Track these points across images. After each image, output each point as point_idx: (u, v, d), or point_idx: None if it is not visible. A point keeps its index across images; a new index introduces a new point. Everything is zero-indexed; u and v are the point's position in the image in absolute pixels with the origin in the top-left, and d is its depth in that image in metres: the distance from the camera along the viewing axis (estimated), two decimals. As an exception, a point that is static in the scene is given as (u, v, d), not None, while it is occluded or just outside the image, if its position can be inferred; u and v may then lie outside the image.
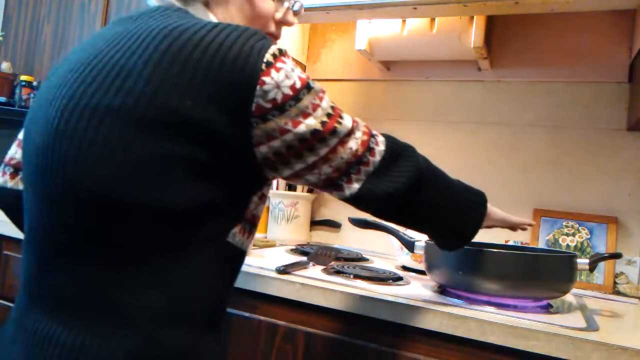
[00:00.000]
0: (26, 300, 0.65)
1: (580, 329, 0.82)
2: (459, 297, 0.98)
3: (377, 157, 0.72)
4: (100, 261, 0.60)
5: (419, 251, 1.07)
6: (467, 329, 0.84)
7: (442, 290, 1.05)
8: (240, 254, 0.71)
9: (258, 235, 1.62)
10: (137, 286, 0.60)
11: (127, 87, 0.59)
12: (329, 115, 0.67)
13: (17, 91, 1.82)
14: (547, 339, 0.79)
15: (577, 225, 1.38)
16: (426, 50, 1.50)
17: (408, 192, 0.75)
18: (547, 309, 0.97)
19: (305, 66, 1.81)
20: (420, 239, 1.09)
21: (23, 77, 1.82)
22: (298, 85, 0.64)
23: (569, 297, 1.16)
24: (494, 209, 0.90)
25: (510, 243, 1.43)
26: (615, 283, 1.32)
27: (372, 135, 0.73)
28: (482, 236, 1.46)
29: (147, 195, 0.59)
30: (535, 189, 1.46)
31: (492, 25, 1.50)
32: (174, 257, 0.62)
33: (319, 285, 0.98)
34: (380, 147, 0.73)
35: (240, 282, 1.05)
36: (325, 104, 0.67)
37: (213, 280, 0.67)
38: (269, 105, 0.61)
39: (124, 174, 0.58)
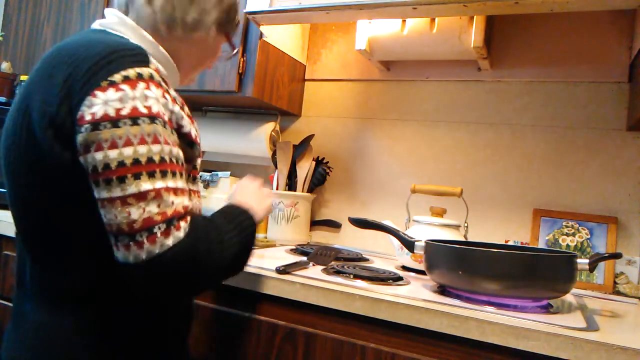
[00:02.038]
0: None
1: (580, 329, 0.82)
2: (459, 297, 0.98)
3: (156, 250, 0.63)
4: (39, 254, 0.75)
5: (419, 251, 1.07)
6: (467, 329, 0.84)
7: (442, 290, 1.05)
8: None
9: (258, 235, 1.62)
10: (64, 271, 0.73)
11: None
12: (134, 161, 0.63)
13: (17, 91, 1.82)
14: (547, 339, 0.79)
15: (577, 225, 1.38)
16: (426, 50, 1.50)
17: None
18: (547, 309, 0.97)
19: (305, 66, 1.81)
20: (420, 239, 1.09)
21: (23, 77, 1.82)
22: (124, 112, 0.64)
23: (569, 297, 1.16)
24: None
25: (510, 243, 1.43)
26: (615, 283, 1.32)
27: (167, 222, 0.64)
28: (482, 236, 1.47)
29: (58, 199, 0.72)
30: (535, 189, 1.46)
31: (492, 25, 1.50)
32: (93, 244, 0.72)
33: (319, 285, 0.98)
34: (167, 241, 0.64)
35: (240, 282, 1.05)
36: (142, 149, 0.64)
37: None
38: (88, 118, 0.64)
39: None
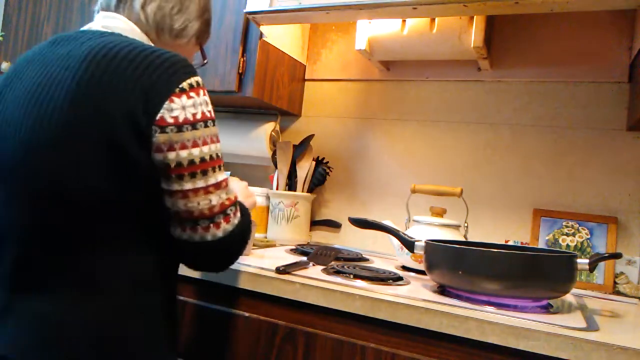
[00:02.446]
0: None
1: (580, 329, 0.82)
2: (459, 297, 0.98)
3: (229, 227, 0.79)
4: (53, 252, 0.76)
5: (419, 251, 1.07)
6: (467, 329, 0.85)
7: (442, 290, 1.05)
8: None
9: (258, 235, 1.62)
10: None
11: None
12: (211, 157, 0.77)
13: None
14: (547, 339, 0.79)
15: (577, 225, 1.38)
16: (426, 50, 1.50)
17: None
18: (547, 309, 0.97)
19: (305, 66, 1.81)
20: (420, 239, 1.09)
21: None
22: (199, 116, 0.76)
23: (569, 297, 1.16)
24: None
25: (510, 243, 1.43)
26: (615, 283, 1.32)
27: (234, 204, 0.81)
28: (482, 236, 1.47)
29: (95, 194, 0.74)
30: (535, 189, 1.46)
31: (492, 25, 1.50)
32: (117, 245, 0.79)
33: (319, 285, 0.98)
34: (235, 220, 0.80)
35: (240, 282, 1.05)
36: (214, 147, 0.78)
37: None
38: (170, 120, 0.74)
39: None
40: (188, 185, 0.75)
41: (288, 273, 1.05)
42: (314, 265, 1.17)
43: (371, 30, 1.51)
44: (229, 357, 1.07)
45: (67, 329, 0.72)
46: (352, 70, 1.74)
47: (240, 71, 1.53)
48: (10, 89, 0.81)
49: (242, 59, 1.53)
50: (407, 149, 1.64)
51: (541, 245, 1.39)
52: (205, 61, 1.06)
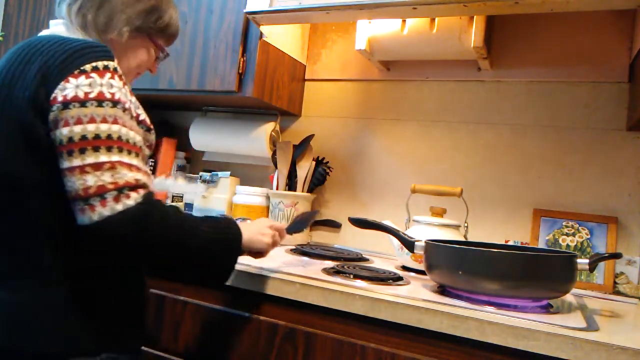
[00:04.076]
0: None
1: (580, 329, 0.82)
2: (459, 297, 0.98)
3: (106, 212, 0.72)
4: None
5: (419, 251, 1.07)
6: (467, 329, 0.84)
7: (442, 290, 1.05)
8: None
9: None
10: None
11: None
12: (95, 136, 0.74)
13: None
14: (547, 339, 0.79)
15: (577, 225, 1.38)
16: (426, 50, 1.50)
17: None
18: (547, 309, 0.97)
19: (305, 66, 1.81)
20: (421, 239, 1.09)
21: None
22: (92, 95, 0.75)
23: (569, 297, 1.16)
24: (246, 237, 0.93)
25: (510, 243, 1.43)
26: (615, 283, 1.32)
27: (120, 190, 0.73)
28: (482, 236, 1.47)
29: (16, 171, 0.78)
30: (535, 189, 1.46)
31: (492, 25, 1.50)
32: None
33: (319, 285, 0.98)
34: (117, 206, 0.73)
35: (240, 282, 1.05)
36: (104, 127, 0.75)
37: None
38: (60, 99, 0.75)
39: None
40: (66, 164, 0.74)
41: (299, 231, 1.16)
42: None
43: (371, 30, 1.51)
44: (229, 357, 1.07)
45: None
46: (352, 70, 1.74)
47: (240, 71, 1.53)
48: None
49: (242, 59, 1.53)
50: (407, 149, 1.64)
51: (541, 245, 1.39)
52: (164, 55, 1.04)
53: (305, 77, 1.82)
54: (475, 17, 1.37)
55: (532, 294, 0.95)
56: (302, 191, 1.64)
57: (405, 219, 1.39)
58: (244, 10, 1.37)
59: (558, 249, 1.35)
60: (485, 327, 0.83)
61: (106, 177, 0.73)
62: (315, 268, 1.15)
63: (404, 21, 1.46)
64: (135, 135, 0.79)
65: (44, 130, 0.76)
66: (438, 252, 1.02)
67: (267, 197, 1.69)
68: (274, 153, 1.67)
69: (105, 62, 0.79)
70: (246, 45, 1.54)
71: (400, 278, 1.12)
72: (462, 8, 1.14)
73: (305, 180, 1.64)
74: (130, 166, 0.75)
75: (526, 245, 1.37)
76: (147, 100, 1.06)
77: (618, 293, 1.31)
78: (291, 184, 1.65)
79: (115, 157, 0.74)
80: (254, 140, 1.73)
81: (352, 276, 1.07)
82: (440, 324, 0.86)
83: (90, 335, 0.79)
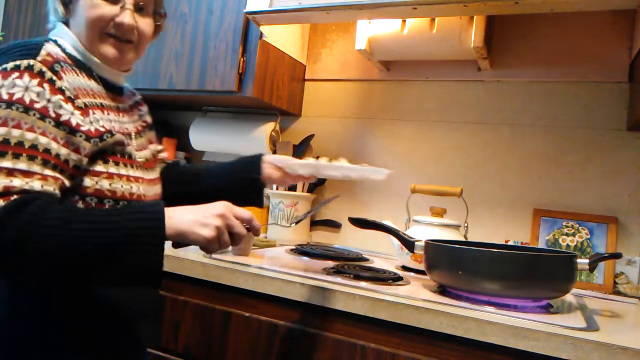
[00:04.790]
0: None
1: (580, 329, 0.82)
2: (459, 297, 0.98)
3: None
4: None
5: (419, 251, 1.07)
6: (467, 329, 0.84)
7: (442, 290, 1.05)
8: None
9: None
10: None
11: None
12: None
13: None
14: (547, 339, 0.79)
15: (577, 225, 1.38)
16: (426, 50, 1.50)
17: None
18: (547, 309, 0.97)
19: (305, 66, 1.81)
20: (421, 239, 1.09)
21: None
22: None
23: (569, 297, 1.16)
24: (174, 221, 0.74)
25: (510, 243, 1.43)
26: (615, 283, 1.32)
27: None
28: (482, 236, 1.47)
29: None
30: (535, 189, 1.46)
31: (492, 25, 1.50)
32: None
33: (318, 285, 0.98)
34: None
35: (240, 282, 1.05)
36: None
37: None
38: None
39: None
40: None
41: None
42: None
43: (371, 30, 1.51)
44: (229, 357, 1.07)
45: None
46: (352, 70, 1.74)
47: (240, 71, 1.53)
48: None
49: (242, 59, 1.53)
50: (407, 149, 1.64)
51: (541, 245, 1.39)
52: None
53: (305, 77, 1.82)
54: (475, 17, 1.37)
55: (532, 294, 0.95)
56: (302, 191, 1.64)
57: (405, 219, 1.39)
58: (244, 10, 1.37)
59: (558, 249, 1.35)
60: (485, 327, 0.83)
61: None
62: (315, 268, 1.15)
63: (404, 21, 1.46)
64: (37, 137, 0.71)
65: None
66: (438, 252, 1.02)
67: (268, 197, 1.69)
68: (274, 153, 1.67)
69: (18, 62, 0.74)
70: (246, 45, 1.54)
71: (400, 278, 1.12)
72: (462, 8, 1.14)
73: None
74: (9, 171, 0.68)
75: (526, 245, 1.37)
76: (147, 100, 1.05)
77: (618, 293, 1.31)
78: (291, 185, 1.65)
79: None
80: (254, 140, 1.73)
81: (352, 276, 1.07)
82: (440, 324, 0.86)
83: None
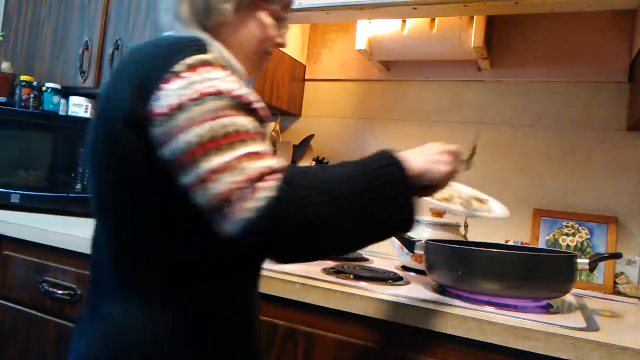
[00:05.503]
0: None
1: (580, 329, 0.82)
2: (459, 297, 0.98)
3: (244, 213, 0.62)
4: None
5: (419, 251, 1.07)
6: (467, 329, 0.84)
7: (442, 290, 1.05)
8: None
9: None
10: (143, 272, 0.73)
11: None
12: (212, 138, 0.64)
13: (17, 91, 1.82)
14: (547, 339, 0.79)
15: (577, 225, 1.38)
16: (426, 50, 1.50)
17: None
18: (547, 309, 0.97)
19: (305, 66, 1.81)
20: (421, 239, 1.09)
21: (23, 77, 1.82)
22: (194, 96, 0.65)
23: (569, 297, 1.16)
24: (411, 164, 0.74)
25: (510, 243, 1.43)
26: (615, 283, 1.32)
27: (249, 186, 0.63)
28: (482, 236, 1.46)
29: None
30: (535, 189, 1.46)
31: (492, 25, 1.50)
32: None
33: (319, 285, 0.98)
34: (254, 204, 0.62)
35: (240, 282, 1.05)
36: (216, 124, 0.64)
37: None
38: (159, 111, 0.66)
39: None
40: (186, 179, 0.65)
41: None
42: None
43: (371, 30, 1.51)
44: (229, 357, 1.07)
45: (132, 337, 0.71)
46: (352, 70, 1.74)
47: (240, 71, 1.53)
48: None
49: (242, 59, 1.53)
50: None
51: (541, 245, 1.39)
52: (284, 15, 0.87)
53: (305, 77, 1.81)
54: (475, 17, 1.37)
55: (532, 294, 0.95)
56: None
57: (405, 219, 1.39)
58: (244, 10, 1.37)
59: (558, 249, 1.35)
60: (485, 327, 0.83)
61: (233, 177, 0.63)
62: (315, 268, 1.15)
63: (404, 21, 1.46)
64: (250, 122, 0.68)
65: (144, 151, 0.68)
66: (438, 252, 1.01)
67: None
68: (274, 153, 1.67)
69: (198, 56, 0.68)
70: (246, 45, 1.54)
71: (400, 278, 1.12)
72: (462, 8, 1.14)
73: (305, 180, 1.64)
74: (250, 155, 0.65)
75: (526, 245, 1.37)
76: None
77: (618, 293, 1.31)
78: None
79: (235, 153, 0.64)
80: (254, 140, 1.72)
81: (352, 276, 1.07)
82: (440, 324, 0.86)
83: None
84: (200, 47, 0.70)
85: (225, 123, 0.65)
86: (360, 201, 0.68)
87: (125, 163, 0.70)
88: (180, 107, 0.65)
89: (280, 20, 0.86)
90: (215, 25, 0.80)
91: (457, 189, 1.09)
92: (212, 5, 0.79)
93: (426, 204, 1.06)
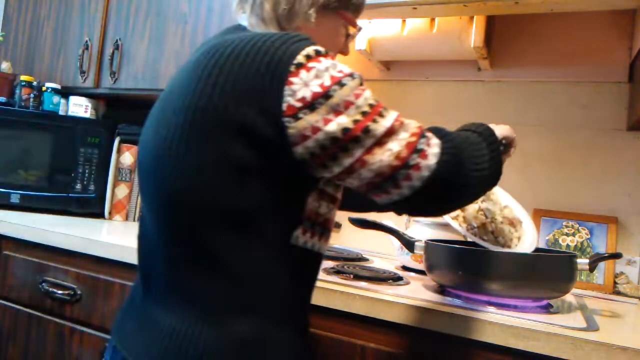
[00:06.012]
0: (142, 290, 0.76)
1: (580, 329, 0.82)
2: (459, 297, 0.98)
3: (432, 160, 0.67)
4: (183, 260, 0.69)
5: (419, 251, 1.07)
6: (467, 329, 0.84)
7: (442, 290, 1.05)
8: (312, 256, 0.73)
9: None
10: (210, 281, 0.67)
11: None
12: (364, 113, 0.65)
13: (17, 91, 1.82)
14: (547, 339, 0.79)
15: (577, 225, 1.38)
16: (426, 50, 1.50)
17: (468, 197, 0.75)
18: (547, 309, 0.97)
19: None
20: (421, 239, 1.09)
21: (23, 77, 1.82)
22: (328, 83, 0.65)
23: (569, 297, 1.16)
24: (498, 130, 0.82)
25: (510, 243, 1.43)
26: (615, 283, 1.32)
27: (422, 136, 0.68)
28: (482, 236, 1.47)
29: (211, 201, 0.66)
30: (535, 189, 1.46)
31: (492, 25, 1.50)
32: (243, 257, 0.67)
33: (319, 285, 0.97)
34: (434, 149, 0.67)
35: (240, 282, 1.05)
36: (362, 101, 0.66)
37: (285, 280, 0.70)
38: (299, 104, 0.64)
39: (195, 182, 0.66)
40: (347, 160, 0.65)
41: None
42: None
43: (371, 30, 1.51)
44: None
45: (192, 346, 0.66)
46: (352, 70, 1.74)
47: (240, 71, 1.52)
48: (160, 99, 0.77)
49: (242, 59, 1.53)
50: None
51: (541, 245, 1.39)
52: (358, 29, 0.93)
53: (305, 77, 1.81)
54: (475, 17, 1.37)
55: (532, 294, 0.95)
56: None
57: (405, 219, 1.39)
58: (244, 10, 1.37)
59: (558, 249, 1.35)
60: (486, 327, 0.83)
61: (403, 135, 0.66)
62: (315, 268, 1.15)
63: (404, 21, 1.46)
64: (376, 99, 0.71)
65: (279, 150, 0.65)
66: (438, 252, 1.02)
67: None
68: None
69: (310, 47, 0.68)
70: (246, 45, 1.54)
71: (400, 278, 1.12)
72: (462, 8, 1.14)
73: (305, 180, 1.64)
74: (399, 115, 0.69)
75: (526, 245, 1.37)
76: (148, 100, 1.05)
77: (618, 293, 1.31)
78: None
79: (392, 115, 0.68)
80: (254, 140, 1.72)
81: (352, 276, 1.07)
82: (440, 324, 0.86)
83: None
84: (305, 38, 0.70)
85: (367, 97, 0.67)
86: (487, 160, 0.74)
87: (238, 169, 0.65)
88: (323, 95, 0.64)
89: (352, 27, 0.91)
90: (294, 28, 0.80)
91: (500, 203, 1.12)
92: (298, 9, 0.79)
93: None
